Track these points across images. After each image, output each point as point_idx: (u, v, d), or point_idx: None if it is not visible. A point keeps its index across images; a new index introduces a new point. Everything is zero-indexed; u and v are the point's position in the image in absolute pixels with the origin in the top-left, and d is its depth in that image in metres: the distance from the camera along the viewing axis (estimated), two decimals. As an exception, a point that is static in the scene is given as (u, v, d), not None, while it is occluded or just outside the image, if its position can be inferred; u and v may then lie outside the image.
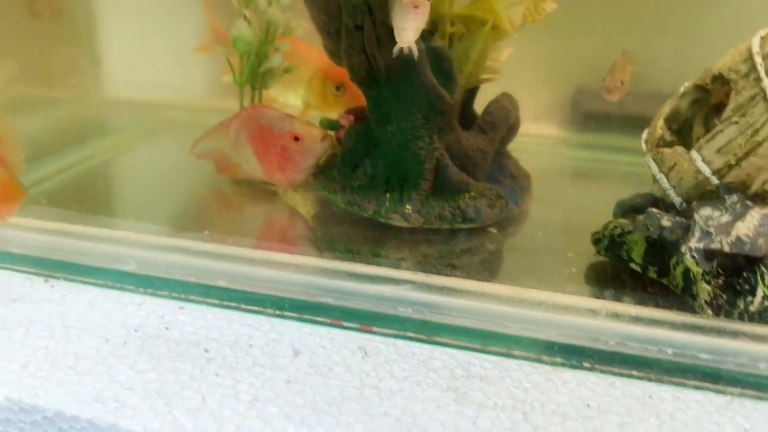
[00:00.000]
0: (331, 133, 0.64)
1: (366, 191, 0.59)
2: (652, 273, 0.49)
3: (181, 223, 0.62)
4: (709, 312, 0.45)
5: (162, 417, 0.37)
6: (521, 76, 0.71)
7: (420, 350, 0.44)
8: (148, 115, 0.95)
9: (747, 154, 0.45)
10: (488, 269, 0.54)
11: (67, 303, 0.47)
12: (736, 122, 0.45)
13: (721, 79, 0.47)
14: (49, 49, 0.93)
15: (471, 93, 0.65)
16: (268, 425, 0.37)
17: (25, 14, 0.86)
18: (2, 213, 0.52)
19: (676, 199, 0.49)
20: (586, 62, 0.81)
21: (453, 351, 0.44)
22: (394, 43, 0.52)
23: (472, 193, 0.60)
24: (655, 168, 0.51)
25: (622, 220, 0.52)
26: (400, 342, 0.45)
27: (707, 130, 0.49)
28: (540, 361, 0.43)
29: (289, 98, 0.75)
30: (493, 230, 0.59)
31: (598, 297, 0.48)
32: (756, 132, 0.44)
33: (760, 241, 0.43)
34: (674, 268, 0.47)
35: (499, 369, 0.42)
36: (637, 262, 0.50)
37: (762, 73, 0.43)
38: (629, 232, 0.51)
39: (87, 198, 0.69)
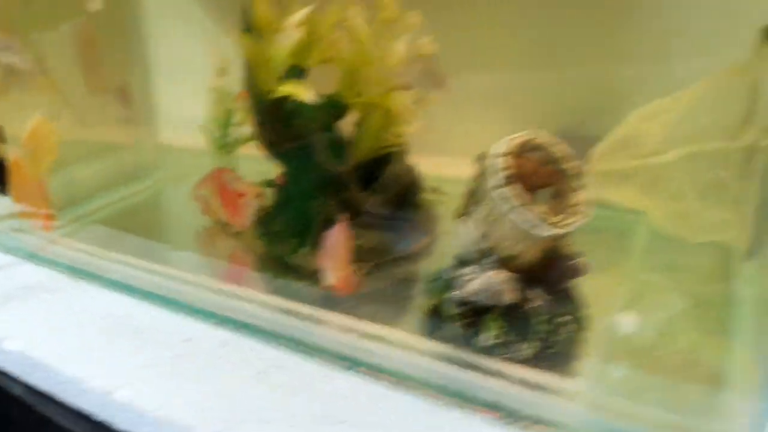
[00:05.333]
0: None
1: (279, 237, 0.80)
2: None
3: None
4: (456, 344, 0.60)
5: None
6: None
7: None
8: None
9: (492, 227, 0.59)
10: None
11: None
12: (486, 202, 0.60)
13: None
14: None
15: (378, 161, 0.83)
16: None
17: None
18: None
19: (469, 259, 0.64)
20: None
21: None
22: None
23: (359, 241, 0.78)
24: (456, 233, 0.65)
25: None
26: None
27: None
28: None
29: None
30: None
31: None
32: (492, 210, 0.58)
33: (486, 294, 0.58)
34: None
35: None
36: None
37: (490, 171, 0.58)
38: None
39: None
